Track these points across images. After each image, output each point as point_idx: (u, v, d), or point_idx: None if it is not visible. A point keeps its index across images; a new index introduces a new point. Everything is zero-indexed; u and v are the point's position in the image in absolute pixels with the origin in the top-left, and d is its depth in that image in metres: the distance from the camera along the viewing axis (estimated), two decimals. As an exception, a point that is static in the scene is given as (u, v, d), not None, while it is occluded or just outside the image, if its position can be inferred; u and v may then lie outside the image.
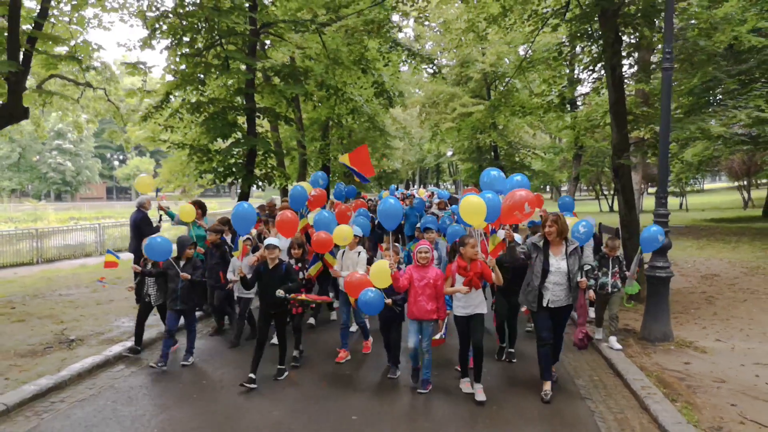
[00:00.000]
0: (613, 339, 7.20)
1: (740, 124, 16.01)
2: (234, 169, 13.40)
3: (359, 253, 7.40)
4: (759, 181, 26.01)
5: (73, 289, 11.77)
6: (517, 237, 7.08)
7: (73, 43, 10.57)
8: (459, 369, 6.33)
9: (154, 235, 7.17)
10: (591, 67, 10.29)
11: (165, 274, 7.01)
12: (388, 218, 6.71)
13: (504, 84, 22.73)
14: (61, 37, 10.40)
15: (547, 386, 5.79)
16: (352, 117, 16.58)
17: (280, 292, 6.02)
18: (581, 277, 6.04)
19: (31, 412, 5.32)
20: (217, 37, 12.98)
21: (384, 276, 5.88)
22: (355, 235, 7.38)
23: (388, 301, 6.07)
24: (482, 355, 5.76)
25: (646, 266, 7.76)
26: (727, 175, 38.18)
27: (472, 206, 5.79)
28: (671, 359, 6.74)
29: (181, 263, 6.96)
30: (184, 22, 12.54)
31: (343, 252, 7.40)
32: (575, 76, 16.60)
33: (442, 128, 27.48)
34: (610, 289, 7.27)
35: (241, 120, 13.93)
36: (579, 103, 18.73)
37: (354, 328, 7.98)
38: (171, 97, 13.59)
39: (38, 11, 9.55)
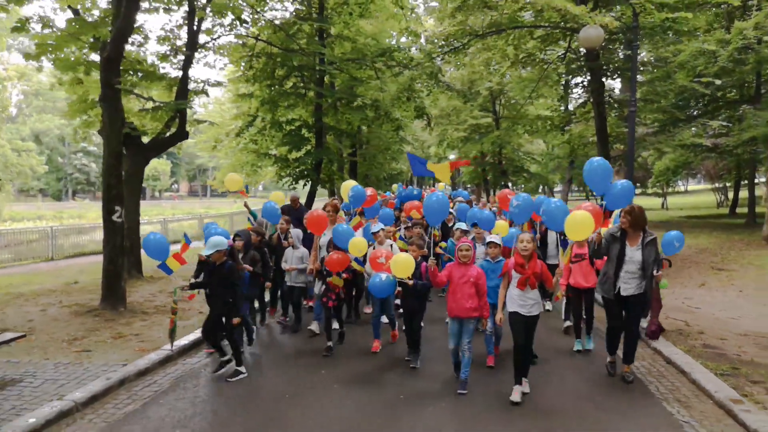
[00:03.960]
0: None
1: (708, 134, 20.16)
2: (306, 173, 17.29)
3: (391, 245, 7.90)
4: (741, 182, 29.85)
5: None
6: None
7: (200, 79, 14.36)
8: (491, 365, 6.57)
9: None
10: (582, 106, 14.35)
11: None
12: (434, 213, 6.82)
13: (515, 111, 26.78)
14: (199, 78, 14.20)
15: (612, 358, 6.23)
16: (396, 133, 20.60)
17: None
18: (657, 271, 6.25)
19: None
20: (291, 70, 16.89)
21: (406, 267, 5.92)
22: (379, 231, 7.87)
23: (410, 282, 6.13)
24: (529, 356, 5.83)
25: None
26: (705, 178, 42.73)
27: (579, 221, 5.64)
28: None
29: (239, 256, 7.11)
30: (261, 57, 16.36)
31: (373, 249, 7.51)
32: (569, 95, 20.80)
33: (453, 136, 31.53)
34: None
35: (309, 135, 17.81)
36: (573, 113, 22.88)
37: (384, 319, 7.92)
38: (257, 117, 17.58)
39: (184, 60, 13.33)
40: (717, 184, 38.15)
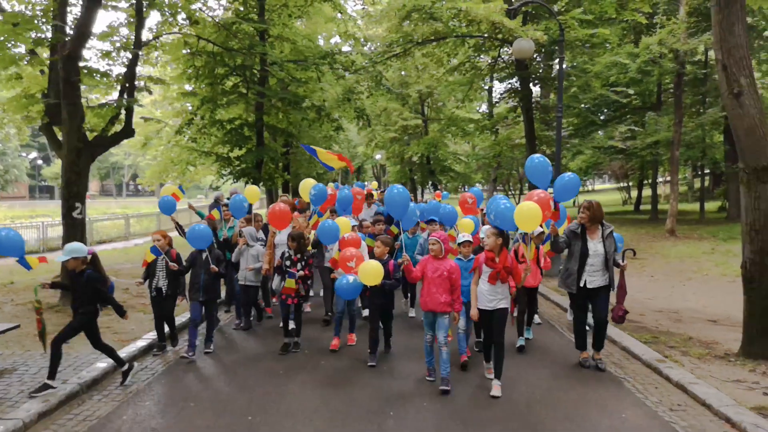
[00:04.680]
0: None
1: (616, 138, 22.16)
2: (247, 171, 17.54)
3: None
4: (644, 182, 32.53)
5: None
6: None
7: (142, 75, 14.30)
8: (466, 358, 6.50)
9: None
10: (513, 110, 15.60)
11: (190, 267, 7.12)
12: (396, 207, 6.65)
13: (442, 114, 28.00)
14: (142, 75, 14.19)
15: (585, 354, 6.43)
16: (336, 132, 21.19)
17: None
18: (623, 261, 6.37)
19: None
20: (232, 70, 17.10)
21: (374, 276, 5.88)
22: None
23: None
24: (503, 350, 5.66)
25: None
26: (612, 178, 46.44)
27: (526, 212, 5.39)
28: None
29: (204, 255, 7.06)
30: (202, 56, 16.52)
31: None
32: (495, 102, 22.22)
33: (383, 137, 32.53)
34: None
35: (250, 133, 18.05)
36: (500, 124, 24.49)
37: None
38: (197, 115, 17.60)
39: (131, 58, 13.31)
40: (623, 184, 41.62)
